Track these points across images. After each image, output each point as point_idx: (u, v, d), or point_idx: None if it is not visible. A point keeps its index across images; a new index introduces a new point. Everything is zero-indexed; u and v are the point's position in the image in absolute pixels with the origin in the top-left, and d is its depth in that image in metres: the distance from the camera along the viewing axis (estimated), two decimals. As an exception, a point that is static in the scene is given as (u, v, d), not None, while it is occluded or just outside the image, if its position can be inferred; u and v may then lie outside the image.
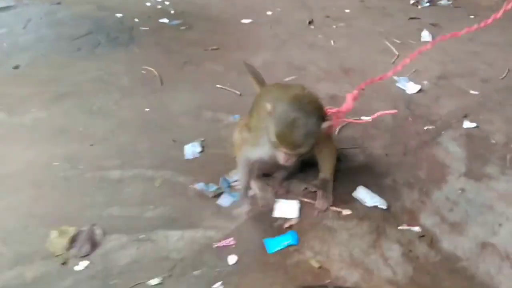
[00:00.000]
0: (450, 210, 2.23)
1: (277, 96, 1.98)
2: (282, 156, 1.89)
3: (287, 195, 2.29)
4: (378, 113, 2.32)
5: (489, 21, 2.28)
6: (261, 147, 2.03)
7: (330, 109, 2.16)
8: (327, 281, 1.87)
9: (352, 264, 1.94)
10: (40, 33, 4.21)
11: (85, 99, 3.13)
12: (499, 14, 2.23)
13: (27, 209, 2.21)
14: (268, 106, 1.87)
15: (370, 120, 2.44)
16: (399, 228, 2.12)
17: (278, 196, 2.27)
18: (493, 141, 2.73)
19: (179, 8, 4.88)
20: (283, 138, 1.83)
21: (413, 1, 5.23)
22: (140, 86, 3.32)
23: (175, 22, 4.52)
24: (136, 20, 4.54)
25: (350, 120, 2.46)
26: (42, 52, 3.82)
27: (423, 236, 2.08)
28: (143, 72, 3.51)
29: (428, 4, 5.16)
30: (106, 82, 3.36)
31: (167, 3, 5.04)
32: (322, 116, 1.93)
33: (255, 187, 2.30)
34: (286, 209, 2.18)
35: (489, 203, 2.27)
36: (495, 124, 2.90)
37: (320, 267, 1.92)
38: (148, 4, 5.01)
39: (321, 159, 2.22)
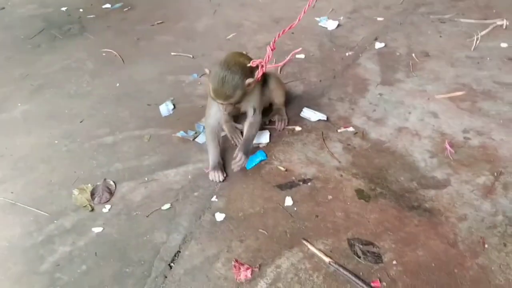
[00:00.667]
0: (373, 110, 2.81)
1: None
2: (221, 107, 2.35)
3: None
4: (289, 56, 2.41)
5: None
6: (212, 108, 2.49)
7: (254, 62, 2.36)
8: (292, 178, 2.41)
9: (308, 163, 2.48)
10: (-4, 38, 4.35)
11: (61, 86, 3.42)
12: None
13: (46, 180, 2.58)
14: (207, 71, 2.35)
15: (285, 63, 2.49)
16: (338, 131, 2.68)
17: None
18: (398, 54, 3.32)
19: (117, -8, 5.09)
20: (217, 93, 2.26)
21: (321, -51, 5.63)
22: (105, 67, 3.62)
23: (117, 5, 4.74)
24: (81, 10, 4.71)
25: (274, 65, 2.54)
26: (6, 55, 3.97)
27: (356, 133, 2.65)
28: (103, 54, 3.80)
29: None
30: (74, 69, 3.63)
31: (103, -12, 5.21)
32: (246, 73, 2.28)
33: (226, 130, 2.73)
34: (260, 137, 2.67)
35: (400, 100, 2.87)
36: (398, 41, 3.48)
37: (286, 170, 2.45)
38: (87, -8, 5.16)
39: (273, 95, 2.72)
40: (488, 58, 3.12)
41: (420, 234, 2.03)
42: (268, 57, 2.37)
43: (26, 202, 2.44)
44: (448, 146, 2.45)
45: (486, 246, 1.95)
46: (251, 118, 2.53)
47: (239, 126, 2.76)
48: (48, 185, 2.54)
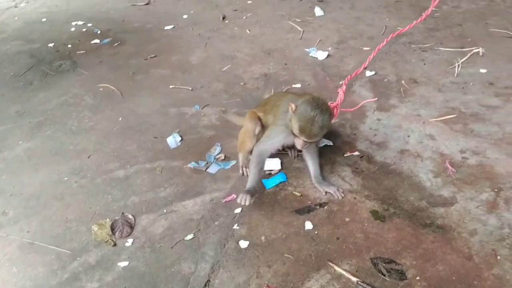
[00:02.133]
0: (374, 135, 2.96)
1: (294, 98, 2.43)
2: (300, 143, 2.34)
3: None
4: (362, 103, 2.78)
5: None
6: (276, 138, 2.50)
7: (331, 104, 2.50)
8: (309, 203, 2.51)
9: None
10: (-16, 76, 4.28)
11: (61, 122, 3.41)
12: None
13: (62, 217, 2.56)
14: (293, 106, 2.29)
15: (357, 109, 2.79)
16: (344, 155, 2.80)
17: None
18: (389, 81, 3.52)
19: (103, 27, 5.11)
20: (304, 130, 2.25)
21: (300, -16, 5.89)
22: (104, 102, 3.64)
23: (106, 40, 4.77)
24: (69, 46, 4.72)
25: (345, 110, 2.78)
26: (-2, 92, 3.95)
27: (362, 156, 2.78)
28: (100, 89, 3.82)
29: (311, -16, 5.87)
30: (72, 105, 3.63)
31: (89, 25, 5.23)
32: (331, 113, 2.35)
33: (240, 159, 2.78)
34: (272, 164, 2.75)
35: (398, 124, 3.04)
36: (386, 69, 3.69)
37: (301, 195, 2.54)
38: (73, 29, 5.16)
39: None
40: (471, 83, 3.36)
41: (437, 250, 2.16)
42: (341, 100, 2.60)
43: (45, 241, 2.43)
44: (449, 166, 2.61)
45: (498, 257, 2.09)
46: (311, 148, 2.56)
47: None
48: (65, 222, 2.53)
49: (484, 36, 4.04)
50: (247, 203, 2.36)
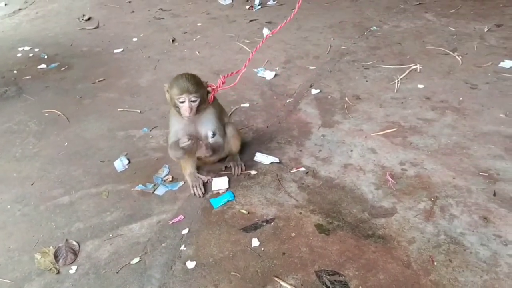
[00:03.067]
0: (319, 151, 3.05)
1: None
2: (185, 106, 2.47)
3: (217, 174, 2.88)
4: (238, 77, 2.82)
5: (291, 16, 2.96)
6: (175, 125, 2.66)
7: (209, 85, 2.69)
8: (256, 220, 2.54)
9: (268, 204, 2.63)
10: None
11: (5, 150, 3.32)
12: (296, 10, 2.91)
13: (4, 246, 2.48)
14: (166, 86, 2.57)
15: (235, 84, 2.88)
16: (291, 172, 2.87)
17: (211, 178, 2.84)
18: (333, 98, 3.65)
19: (51, 52, 5.05)
20: (181, 87, 2.44)
21: (248, 7, 6.07)
22: (49, 127, 3.57)
23: (53, 65, 4.70)
24: (15, 71, 4.61)
25: (223, 87, 2.80)
26: None
27: (307, 172, 2.86)
28: (46, 115, 3.75)
29: (259, 7, 6.05)
30: (16, 132, 3.54)
31: (36, 50, 5.15)
32: (199, 78, 2.57)
33: (189, 181, 2.79)
34: (220, 183, 2.79)
35: (341, 139, 3.15)
36: (331, 87, 3.83)
37: (248, 213, 2.58)
38: (19, 55, 5.06)
39: (231, 142, 2.85)
40: (410, 98, 3.54)
41: (378, 259, 2.23)
42: (219, 86, 2.72)
43: (-15, 272, 2.34)
44: (389, 178, 2.73)
45: (435, 263, 2.19)
46: (212, 140, 2.66)
47: (201, 176, 2.84)
48: (7, 251, 2.45)
49: (421, 53, 4.28)
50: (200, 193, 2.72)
